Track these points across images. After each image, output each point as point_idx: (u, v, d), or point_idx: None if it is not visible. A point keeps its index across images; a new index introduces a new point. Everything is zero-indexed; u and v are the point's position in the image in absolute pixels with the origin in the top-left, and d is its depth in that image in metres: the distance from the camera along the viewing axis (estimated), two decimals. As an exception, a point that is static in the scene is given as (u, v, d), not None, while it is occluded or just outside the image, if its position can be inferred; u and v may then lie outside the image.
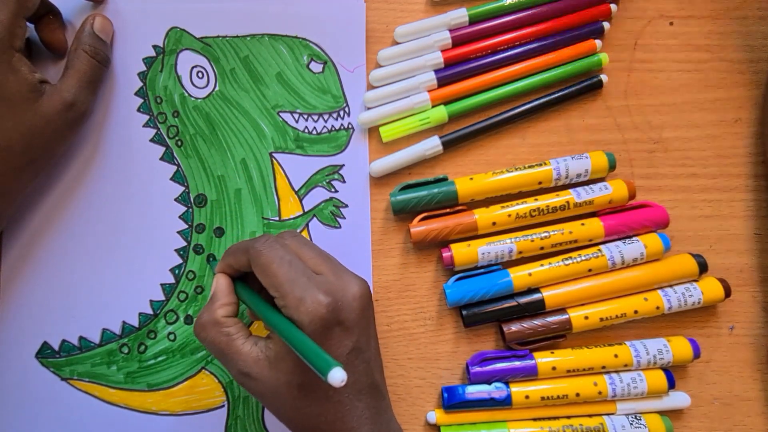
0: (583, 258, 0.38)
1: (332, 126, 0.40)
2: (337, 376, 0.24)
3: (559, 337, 0.38)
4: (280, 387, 0.30)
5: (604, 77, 0.41)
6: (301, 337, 0.27)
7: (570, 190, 0.39)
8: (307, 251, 0.32)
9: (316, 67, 0.40)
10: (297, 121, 0.40)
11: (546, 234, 0.38)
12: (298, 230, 0.39)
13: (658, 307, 0.38)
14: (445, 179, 0.39)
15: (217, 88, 0.40)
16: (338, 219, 0.40)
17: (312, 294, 0.29)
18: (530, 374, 0.37)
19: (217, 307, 0.32)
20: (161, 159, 0.39)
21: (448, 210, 0.39)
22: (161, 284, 0.39)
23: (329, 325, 0.29)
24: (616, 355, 0.37)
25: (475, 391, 0.37)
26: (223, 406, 0.38)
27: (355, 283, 0.31)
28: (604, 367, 0.37)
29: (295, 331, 0.28)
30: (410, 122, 0.39)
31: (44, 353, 0.38)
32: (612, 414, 0.38)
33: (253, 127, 0.40)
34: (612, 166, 0.39)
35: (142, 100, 0.39)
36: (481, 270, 0.38)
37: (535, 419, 0.38)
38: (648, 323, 0.40)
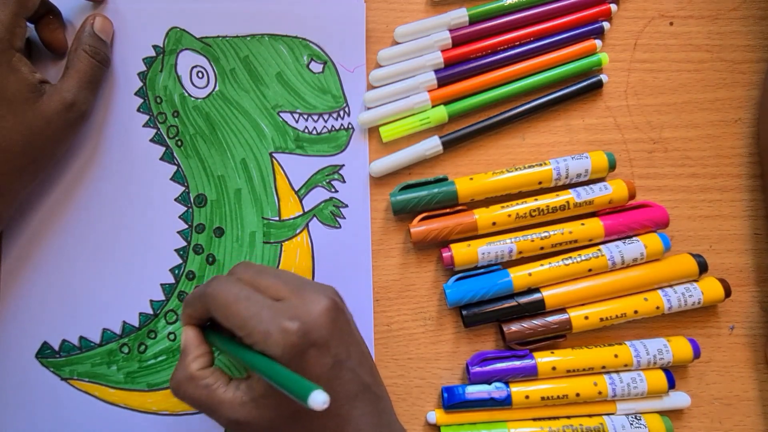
0: (583, 258, 0.38)
1: (332, 126, 0.40)
2: (319, 399, 0.24)
3: (559, 337, 0.38)
4: (274, 422, 0.29)
5: (604, 77, 0.41)
6: (276, 369, 0.27)
7: (570, 190, 0.39)
8: (264, 279, 0.31)
9: (316, 67, 0.40)
10: (297, 121, 0.40)
11: (546, 234, 0.38)
12: (298, 230, 0.39)
13: (658, 307, 0.38)
14: (445, 179, 0.39)
15: (217, 88, 0.40)
16: (338, 219, 0.40)
17: (277, 324, 0.28)
18: (530, 374, 0.37)
19: (190, 361, 0.30)
20: (161, 159, 0.39)
21: (448, 210, 0.39)
22: (161, 284, 0.39)
23: (303, 350, 0.28)
24: (616, 355, 0.37)
25: (475, 391, 0.37)
26: (223, 406, 0.38)
27: (319, 298, 0.30)
28: (604, 367, 0.37)
29: (269, 364, 0.27)
30: (410, 122, 0.39)
31: (44, 353, 0.38)
32: (612, 414, 0.38)
33: (253, 127, 0.40)
34: (612, 166, 0.39)
35: (142, 100, 0.39)
36: (481, 270, 0.38)
37: (535, 419, 0.38)
38: (648, 323, 0.40)
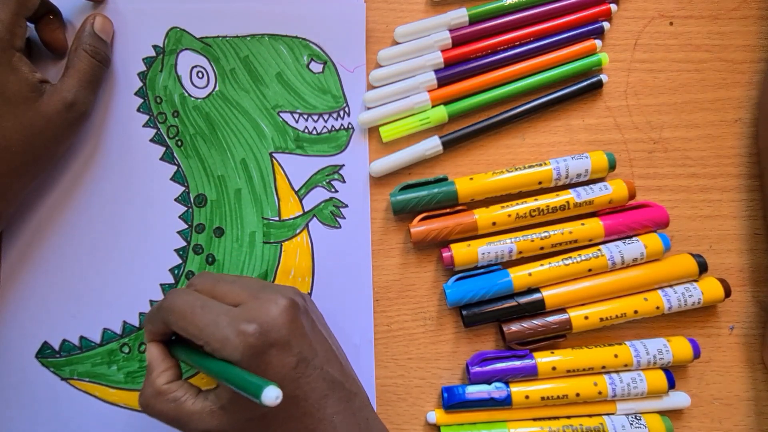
0: (583, 258, 0.38)
1: (332, 126, 0.40)
2: (271, 395, 0.24)
3: (559, 337, 0.38)
4: (245, 427, 0.29)
5: (604, 77, 0.41)
6: (230, 370, 0.27)
7: (570, 190, 0.39)
8: (221, 287, 0.31)
9: (316, 67, 0.40)
10: (297, 121, 0.40)
11: (546, 234, 0.38)
12: (298, 230, 0.39)
13: (658, 307, 0.38)
14: (445, 179, 0.39)
15: (217, 88, 0.40)
16: (338, 219, 0.40)
17: (234, 328, 0.28)
18: (530, 374, 0.37)
19: (155, 377, 0.30)
20: (161, 159, 0.39)
21: (448, 210, 0.39)
22: (161, 284, 0.39)
23: (262, 350, 0.28)
24: (616, 355, 0.37)
25: (475, 391, 0.37)
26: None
27: (277, 299, 0.30)
28: (604, 367, 0.37)
29: (225, 367, 0.27)
30: (410, 122, 0.39)
31: (44, 353, 0.38)
32: (612, 414, 0.38)
33: (253, 127, 0.40)
34: (612, 166, 0.39)
35: (142, 100, 0.39)
36: (481, 270, 0.38)
37: (535, 419, 0.38)
38: (648, 323, 0.40)
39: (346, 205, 0.40)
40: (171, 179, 0.39)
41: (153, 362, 0.31)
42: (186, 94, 0.40)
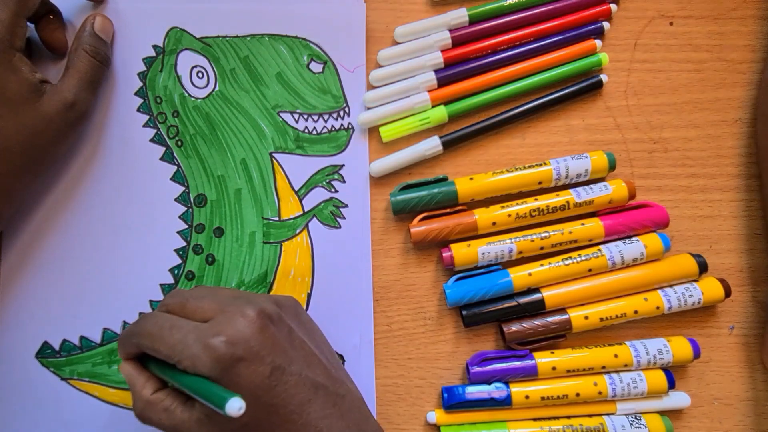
0: (583, 258, 0.38)
1: (332, 126, 0.40)
2: (234, 406, 0.24)
3: (559, 337, 0.38)
4: None
5: (604, 77, 0.41)
6: (199, 384, 0.27)
7: (570, 190, 0.39)
8: (191, 303, 0.31)
9: (316, 67, 0.40)
10: (297, 121, 0.40)
11: (546, 234, 0.38)
12: (298, 230, 0.39)
13: (658, 307, 0.38)
14: (445, 179, 0.39)
15: (217, 88, 0.40)
16: (338, 219, 0.40)
17: (201, 344, 0.28)
18: (530, 374, 0.37)
19: (140, 388, 0.30)
20: (161, 159, 0.39)
21: (448, 210, 0.39)
22: (161, 284, 0.39)
23: (231, 363, 0.28)
24: (616, 355, 0.37)
25: (475, 391, 0.37)
26: (223, 406, 0.38)
27: (245, 310, 0.29)
28: (604, 367, 0.37)
29: (193, 381, 0.27)
30: (410, 122, 0.39)
31: (44, 353, 0.38)
32: (612, 414, 0.38)
33: (253, 127, 0.40)
34: (612, 166, 0.39)
35: (142, 100, 0.39)
36: (481, 270, 0.38)
37: (535, 419, 0.38)
38: (648, 323, 0.40)
39: (346, 205, 0.40)
40: (171, 179, 0.39)
41: (132, 376, 0.31)
42: (186, 94, 0.40)
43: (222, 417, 0.28)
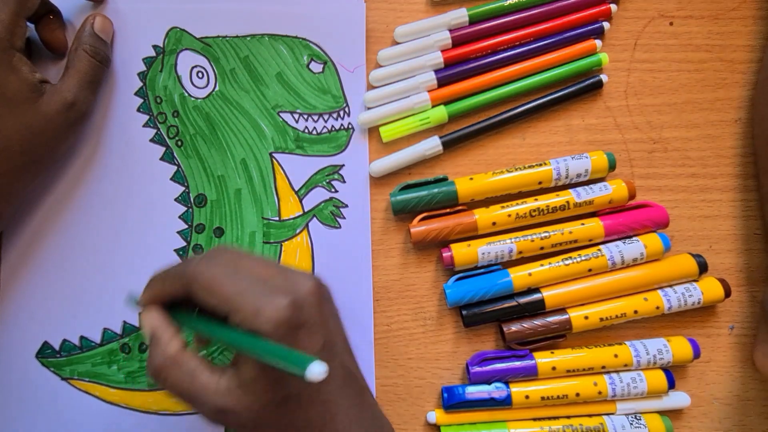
0: (583, 258, 0.38)
1: (332, 126, 0.40)
2: (317, 369, 0.22)
3: (559, 337, 0.38)
4: (263, 410, 0.27)
5: (604, 77, 0.41)
6: (268, 345, 0.25)
7: (570, 190, 0.39)
8: (246, 261, 0.29)
9: (316, 67, 0.40)
10: (297, 121, 0.40)
11: (546, 234, 0.38)
12: (298, 230, 0.39)
13: (658, 307, 0.38)
14: (445, 179, 0.39)
15: (217, 88, 0.40)
16: (338, 219, 0.40)
17: (268, 300, 0.26)
18: (530, 374, 0.37)
19: (166, 343, 0.28)
20: (161, 159, 0.39)
21: (448, 210, 0.39)
22: (161, 284, 0.39)
23: (295, 326, 0.26)
24: (616, 355, 0.37)
25: (475, 391, 0.37)
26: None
27: (307, 279, 0.28)
28: (604, 367, 0.37)
29: (259, 341, 0.26)
30: (410, 122, 0.39)
31: (44, 353, 0.38)
32: (612, 414, 0.38)
33: (253, 127, 0.40)
34: (612, 166, 0.39)
35: (142, 100, 0.39)
36: (481, 270, 0.38)
37: (535, 419, 0.38)
38: (648, 323, 0.40)
39: (346, 205, 0.40)
40: (171, 179, 0.39)
41: (158, 328, 0.29)
42: (186, 94, 0.40)
43: (261, 387, 0.27)
